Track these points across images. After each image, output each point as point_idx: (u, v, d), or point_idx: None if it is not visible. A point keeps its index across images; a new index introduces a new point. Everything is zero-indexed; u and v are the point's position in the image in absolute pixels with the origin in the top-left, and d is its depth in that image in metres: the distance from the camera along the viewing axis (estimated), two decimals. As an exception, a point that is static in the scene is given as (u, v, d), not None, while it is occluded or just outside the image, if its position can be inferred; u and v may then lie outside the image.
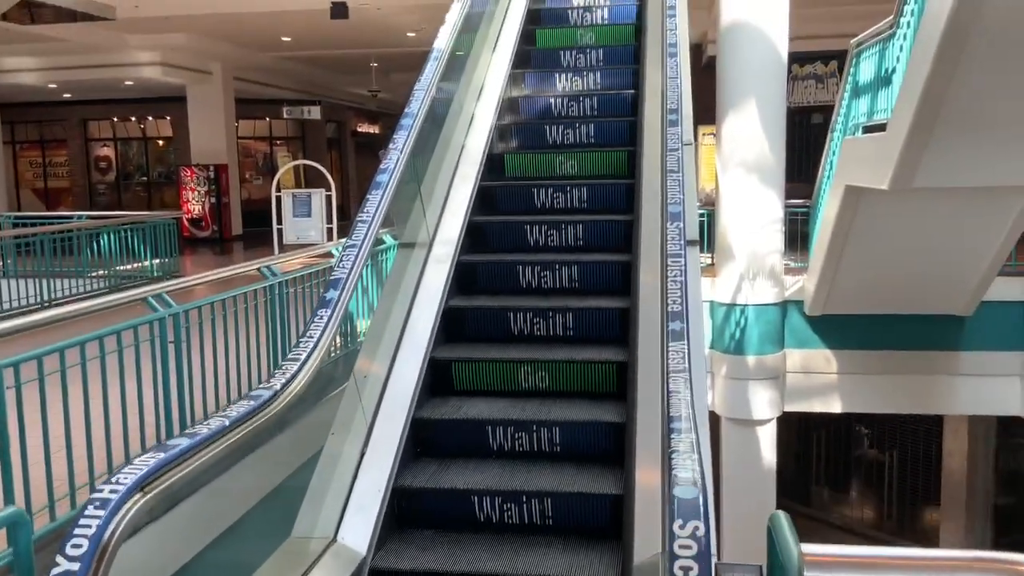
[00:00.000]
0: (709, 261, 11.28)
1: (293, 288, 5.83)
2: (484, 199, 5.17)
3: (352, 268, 3.29)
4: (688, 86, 4.63)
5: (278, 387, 2.66)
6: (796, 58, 14.23)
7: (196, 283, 5.15)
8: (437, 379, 4.06)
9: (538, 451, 3.75)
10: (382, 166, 3.85)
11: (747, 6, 9.92)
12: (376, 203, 3.60)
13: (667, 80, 4.25)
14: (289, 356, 2.93)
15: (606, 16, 7.03)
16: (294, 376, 2.77)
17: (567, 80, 6.33)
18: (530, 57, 6.68)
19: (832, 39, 14.41)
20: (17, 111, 22.83)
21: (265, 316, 5.43)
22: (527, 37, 6.85)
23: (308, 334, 3.05)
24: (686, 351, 2.79)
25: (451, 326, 4.34)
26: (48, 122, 24.09)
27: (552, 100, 6.08)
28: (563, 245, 4.92)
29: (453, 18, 5.20)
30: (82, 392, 3.88)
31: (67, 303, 8.53)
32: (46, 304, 9.92)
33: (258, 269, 5.61)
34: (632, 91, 6.06)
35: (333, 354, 3.90)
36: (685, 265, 3.14)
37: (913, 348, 10.33)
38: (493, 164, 5.48)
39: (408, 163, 4.02)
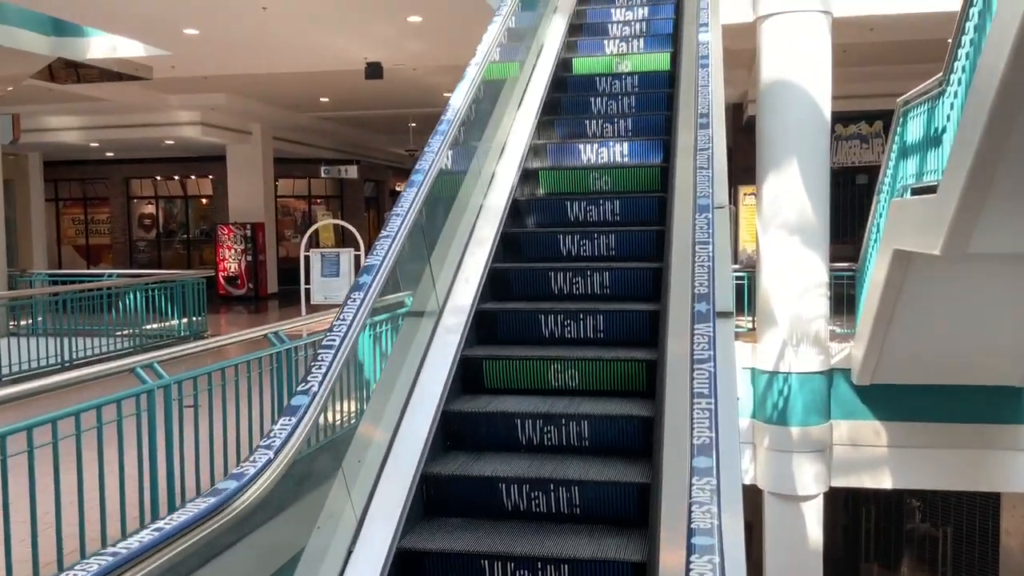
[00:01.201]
0: (750, 326, 10.85)
1: (304, 354, 5.52)
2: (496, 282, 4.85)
3: (334, 360, 2.88)
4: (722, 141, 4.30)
5: (229, 490, 2.30)
6: (839, 118, 13.91)
7: (195, 351, 4.86)
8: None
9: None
10: (383, 232, 3.53)
11: (788, 65, 9.65)
12: (372, 275, 3.26)
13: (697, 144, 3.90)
14: (261, 444, 2.57)
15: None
16: (260, 472, 2.42)
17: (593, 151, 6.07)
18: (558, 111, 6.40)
19: (877, 98, 14.10)
20: (61, 169, 23.23)
21: (271, 386, 5.12)
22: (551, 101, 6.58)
23: (272, 435, 2.69)
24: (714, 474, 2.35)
25: (449, 433, 3.89)
26: (91, 180, 24.48)
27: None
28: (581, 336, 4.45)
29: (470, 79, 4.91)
30: (53, 471, 3.58)
31: (79, 366, 8.37)
32: (65, 364, 9.76)
33: (265, 336, 5.31)
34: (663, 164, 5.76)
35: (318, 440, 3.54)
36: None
37: (968, 421, 9.77)
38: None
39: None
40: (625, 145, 5.79)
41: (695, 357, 2.67)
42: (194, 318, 12.25)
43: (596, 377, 4.08)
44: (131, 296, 11.47)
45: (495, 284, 4.74)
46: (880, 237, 8.67)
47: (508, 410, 3.85)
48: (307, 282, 11.48)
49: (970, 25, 5.86)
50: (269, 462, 2.58)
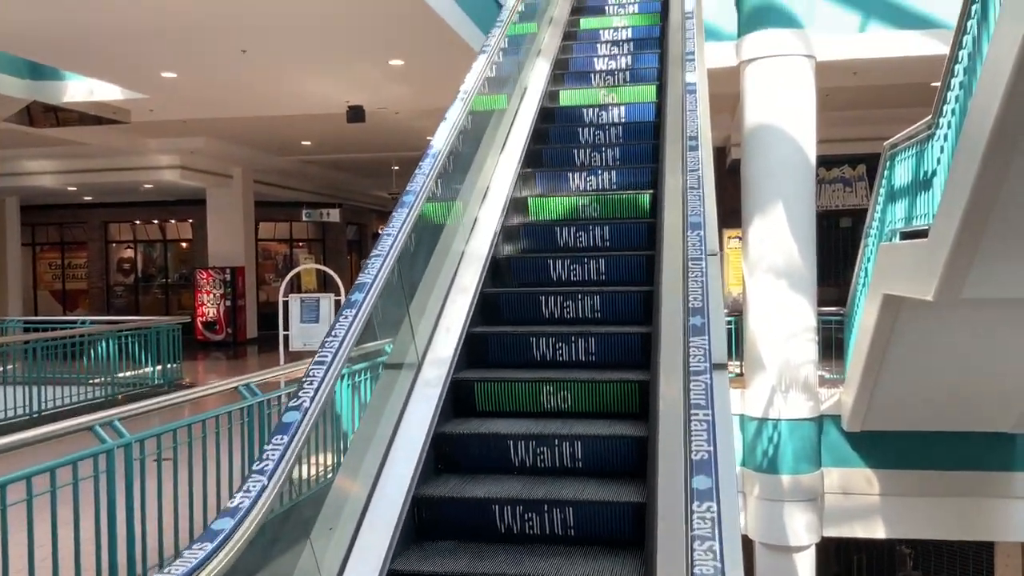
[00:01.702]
0: (738, 371, 10.67)
1: (278, 407, 5.27)
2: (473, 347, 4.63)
3: (301, 422, 2.67)
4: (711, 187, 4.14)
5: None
6: (823, 161, 13.89)
7: (158, 407, 4.60)
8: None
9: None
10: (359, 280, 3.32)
11: (772, 109, 9.61)
12: (346, 327, 3.05)
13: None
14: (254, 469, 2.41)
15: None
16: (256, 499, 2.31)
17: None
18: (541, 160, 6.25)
19: (860, 142, 14.13)
20: (38, 213, 22.94)
21: (242, 441, 4.87)
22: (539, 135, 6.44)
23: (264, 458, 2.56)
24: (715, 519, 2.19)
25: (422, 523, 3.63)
26: (69, 224, 24.17)
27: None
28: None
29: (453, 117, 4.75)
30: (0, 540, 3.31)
31: (44, 420, 8.05)
32: (34, 415, 9.44)
33: (236, 388, 5.06)
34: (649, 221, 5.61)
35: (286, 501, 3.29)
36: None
37: (961, 468, 9.60)
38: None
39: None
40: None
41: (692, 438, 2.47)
42: (169, 365, 11.94)
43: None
44: (104, 344, 11.17)
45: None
46: (868, 281, 8.54)
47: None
48: (286, 328, 11.24)
49: (959, 68, 5.78)
50: (264, 488, 2.48)
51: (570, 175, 5.91)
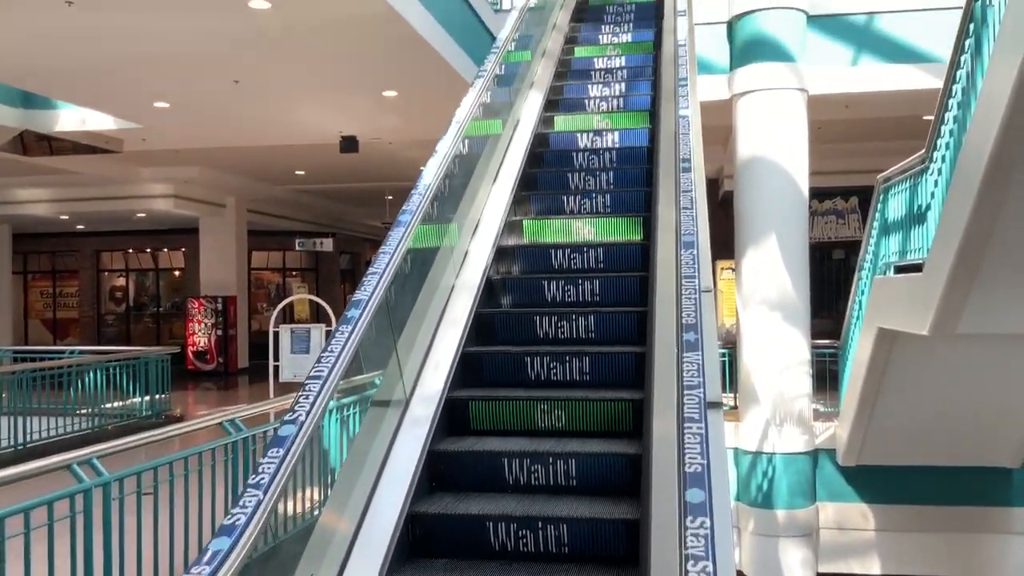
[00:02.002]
0: (732, 403, 10.58)
1: (265, 444, 5.16)
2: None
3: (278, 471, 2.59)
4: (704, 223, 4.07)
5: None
6: (815, 193, 13.90)
7: (137, 444, 4.48)
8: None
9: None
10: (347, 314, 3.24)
11: (765, 141, 9.62)
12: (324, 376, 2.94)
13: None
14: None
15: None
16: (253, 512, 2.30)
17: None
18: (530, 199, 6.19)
19: (852, 174, 14.15)
20: (30, 241, 22.83)
21: (226, 479, 4.76)
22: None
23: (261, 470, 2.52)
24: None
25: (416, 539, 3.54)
26: (61, 253, 24.06)
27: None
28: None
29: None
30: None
31: (26, 455, 7.92)
32: (19, 447, 9.29)
33: (220, 424, 4.96)
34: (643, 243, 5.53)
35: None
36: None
37: (958, 504, 9.51)
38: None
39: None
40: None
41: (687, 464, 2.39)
42: (158, 396, 11.79)
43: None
44: (91, 375, 11.03)
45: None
46: (863, 314, 8.48)
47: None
48: (276, 358, 11.13)
49: (953, 102, 5.77)
50: (260, 502, 2.44)
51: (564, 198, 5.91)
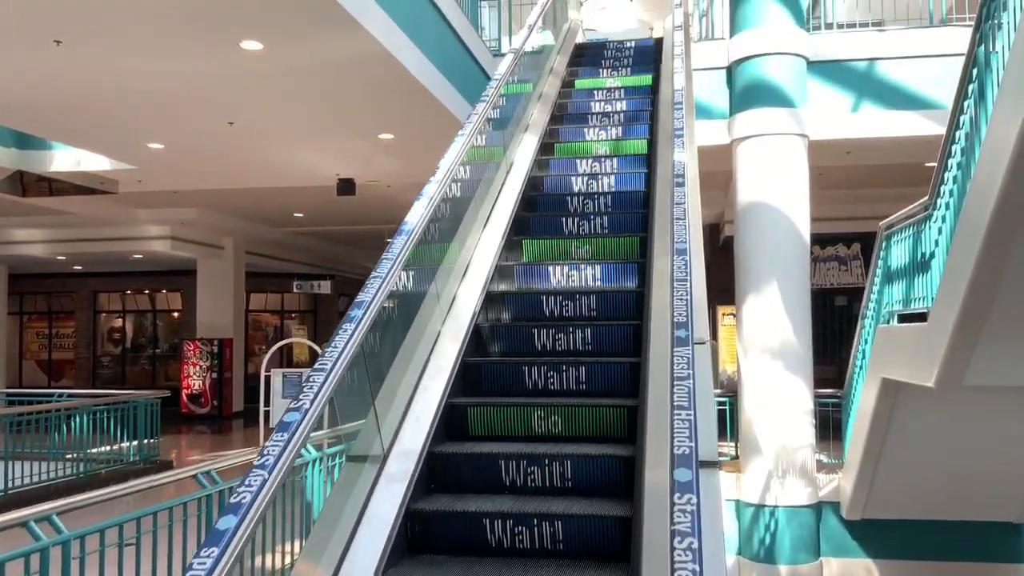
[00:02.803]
0: (733, 453, 10.33)
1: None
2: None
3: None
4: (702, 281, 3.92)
5: None
6: (817, 239, 13.79)
7: (101, 499, 4.25)
8: None
9: None
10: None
11: (765, 187, 9.49)
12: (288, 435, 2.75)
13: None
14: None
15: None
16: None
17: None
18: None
19: (854, 221, 14.04)
20: (27, 282, 22.72)
21: (198, 536, 4.52)
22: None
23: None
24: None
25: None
26: (57, 294, 23.92)
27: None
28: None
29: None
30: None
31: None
32: (2, 493, 9.05)
33: (194, 476, 4.74)
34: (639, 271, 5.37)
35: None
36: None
37: (965, 559, 9.23)
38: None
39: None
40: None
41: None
42: (146, 441, 11.56)
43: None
44: (79, 419, 10.82)
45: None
46: (866, 364, 8.29)
47: None
48: (267, 403, 10.92)
49: (957, 148, 5.63)
50: (265, 480, 2.50)
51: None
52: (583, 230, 5.97)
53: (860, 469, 8.51)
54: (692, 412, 2.77)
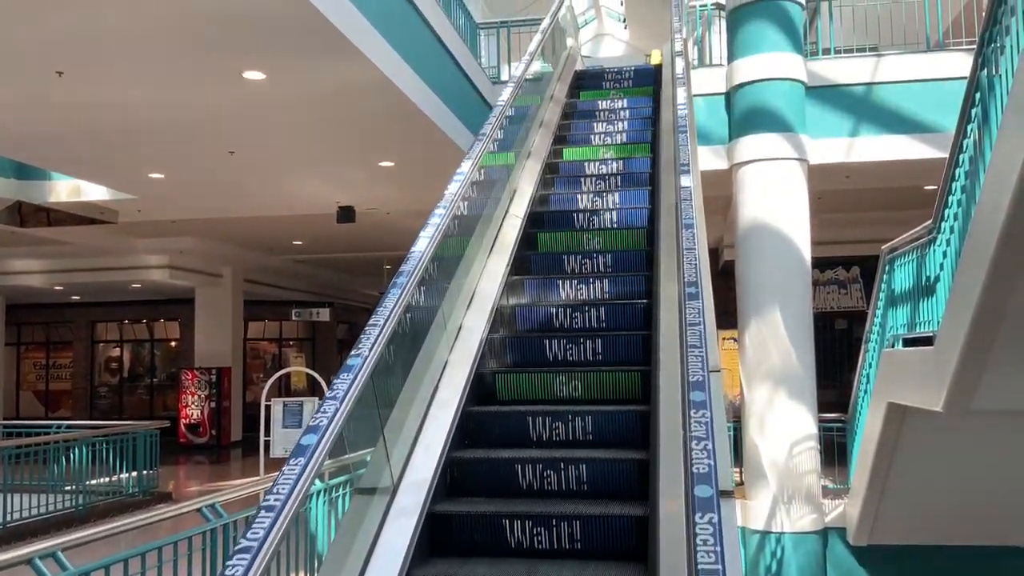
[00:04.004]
0: (738, 479, 10.25)
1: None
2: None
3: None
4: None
5: None
6: (816, 263, 13.80)
7: (105, 535, 4.20)
8: None
9: None
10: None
11: (766, 212, 9.49)
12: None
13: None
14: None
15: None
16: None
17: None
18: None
19: (853, 244, 14.04)
20: (25, 312, 22.65)
21: (202, 571, 4.46)
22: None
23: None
24: None
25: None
26: (55, 324, 23.85)
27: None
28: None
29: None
30: None
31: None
32: (1, 526, 8.96)
33: (199, 510, 4.68)
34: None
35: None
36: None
37: (974, 585, 9.09)
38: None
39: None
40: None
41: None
42: (145, 472, 11.46)
43: None
44: (78, 450, 10.73)
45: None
46: (871, 388, 8.25)
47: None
48: (267, 433, 10.82)
49: (960, 172, 5.63)
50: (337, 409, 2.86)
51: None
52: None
53: (866, 494, 8.44)
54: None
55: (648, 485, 3.86)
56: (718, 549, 2.31)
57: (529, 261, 6.05)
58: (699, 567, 2.24)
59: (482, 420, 4.47)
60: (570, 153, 7.85)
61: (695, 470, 2.63)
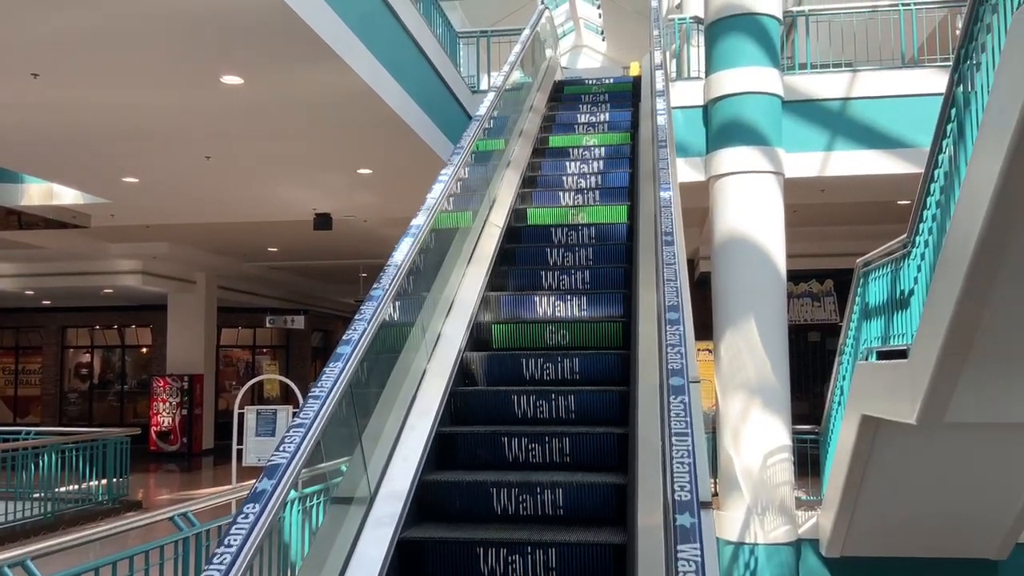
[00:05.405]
0: (712, 490, 10.27)
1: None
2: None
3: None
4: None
5: None
6: (791, 276, 13.92)
7: (75, 543, 4.12)
8: None
9: None
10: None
11: (742, 224, 9.56)
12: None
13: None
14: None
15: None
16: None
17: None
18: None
19: (827, 257, 14.16)
20: (-6, 317, 22.35)
21: (175, 580, 4.39)
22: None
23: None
24: None
25: None
26: (25, 329, 23.51)
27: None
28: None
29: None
30: None
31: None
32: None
33: (171, 518, 4.61)
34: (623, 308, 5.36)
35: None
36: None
37: (944, 597, 9.15)
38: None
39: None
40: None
41: None
42: (115, 480, 11.30)
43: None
44: (47, 457, 10.56)
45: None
46: (844, 401, 8.31)
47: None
48: (240, 441, 10.71)
49: (935, 187, 5.70)
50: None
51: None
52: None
53: (839, 506, 8.48)
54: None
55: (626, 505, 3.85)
56: None
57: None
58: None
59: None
60: (547, 171, 7.83)
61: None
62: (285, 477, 2.67)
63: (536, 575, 3.54)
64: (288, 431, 2.91)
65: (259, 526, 2.43)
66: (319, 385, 3.13)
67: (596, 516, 3.86)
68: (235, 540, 2.36)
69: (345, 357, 3.33)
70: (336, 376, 3.19)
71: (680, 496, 2.35)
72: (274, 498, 2.56)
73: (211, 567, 2.28)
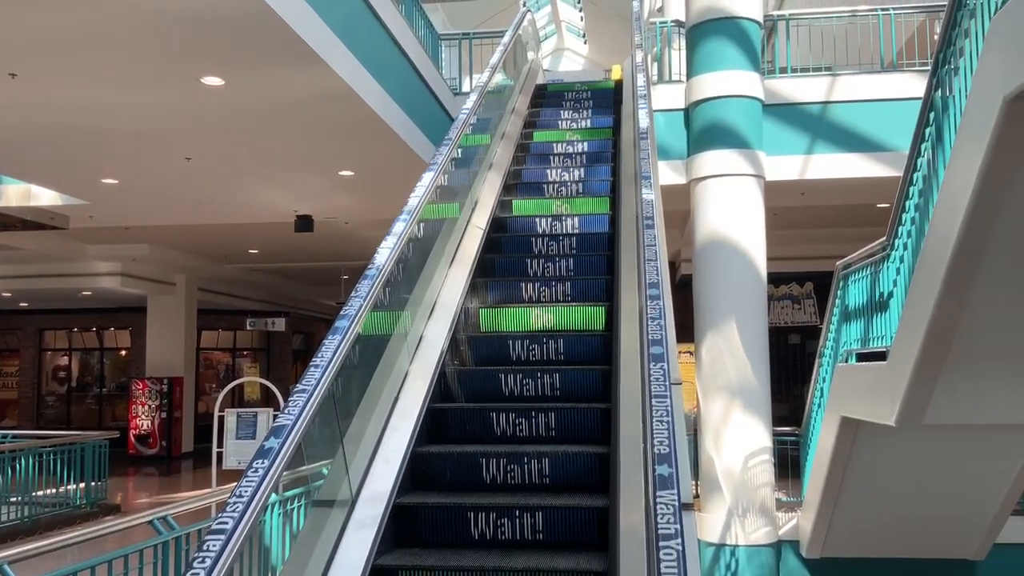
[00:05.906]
0: (693, 492, 10.30)
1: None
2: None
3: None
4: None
5: None
6: (771, 279, 13.98)
7: (52, 548, 4.08)
8: None
9: None
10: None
11: (723, 226, 9.59)
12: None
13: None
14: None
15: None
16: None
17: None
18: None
19: (807, 260, 14.25)
20: (-31, 318, 22.09)
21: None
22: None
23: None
24: None
25: None
26: (2, 331, 23.26)
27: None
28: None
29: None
30: None
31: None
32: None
33: (150, 522, 4.57)
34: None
35: None
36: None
37: (923, 597, 9.22)
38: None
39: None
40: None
41: None
42: (93, 484, 11.20)
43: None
44: (24, 460, 10.45)
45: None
46: (824, 402, 8.36)
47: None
48: (220, 444, 10.64)
49: (914, 190, 5.75)
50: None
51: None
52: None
53: (819, 507, 8.53)
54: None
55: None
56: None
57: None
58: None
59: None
60: (529, 174, 7.84)
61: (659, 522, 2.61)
62: (291, 436, 2.79)
63: (524, 536, 3.72)
64: (292, 396, 3.04)
65: (267, 479, 2.56)
66: (320, 356, 3.29)
67: (580, 484, 4.04)
68: (246, 491, 2.48)
69: (343, 331, 3.45)
70: (335, 347, 3.33)
71: (659, 449, 2.49)
72: (280, 455, 2.68)
73: (224, 515, 2.39)
